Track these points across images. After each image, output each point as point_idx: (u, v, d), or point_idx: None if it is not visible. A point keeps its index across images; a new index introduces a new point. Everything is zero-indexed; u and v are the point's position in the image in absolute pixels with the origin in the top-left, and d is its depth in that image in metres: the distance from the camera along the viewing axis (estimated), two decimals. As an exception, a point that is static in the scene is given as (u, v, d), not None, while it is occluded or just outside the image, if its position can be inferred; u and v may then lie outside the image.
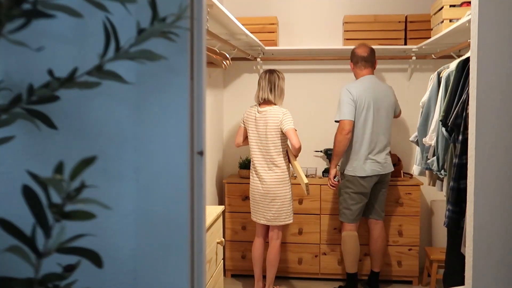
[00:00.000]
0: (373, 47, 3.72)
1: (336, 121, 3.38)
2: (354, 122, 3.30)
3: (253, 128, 3.33)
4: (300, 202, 3.73)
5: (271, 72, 3.34)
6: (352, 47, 3.77)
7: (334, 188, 3.53)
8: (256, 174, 3.32)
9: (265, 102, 3.32)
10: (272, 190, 3.25)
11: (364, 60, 3.40)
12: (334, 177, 3.47)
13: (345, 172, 3.40)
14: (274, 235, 3.36)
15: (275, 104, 3.30)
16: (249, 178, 3.81)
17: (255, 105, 3.40)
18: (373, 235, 3.52)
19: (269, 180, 3.26)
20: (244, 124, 3.43)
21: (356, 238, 3.44)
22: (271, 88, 3.28)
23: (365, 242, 3.65)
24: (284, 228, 3.54)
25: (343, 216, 3.44)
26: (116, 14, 0.85)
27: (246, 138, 3.44)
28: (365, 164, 3.33)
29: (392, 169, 3.48)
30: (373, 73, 3.45)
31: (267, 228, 3.43)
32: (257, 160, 3.31)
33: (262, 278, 3.46)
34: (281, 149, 3.27)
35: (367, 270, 3.68)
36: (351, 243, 3.43)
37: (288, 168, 3.33)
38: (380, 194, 3.47)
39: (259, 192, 3.30)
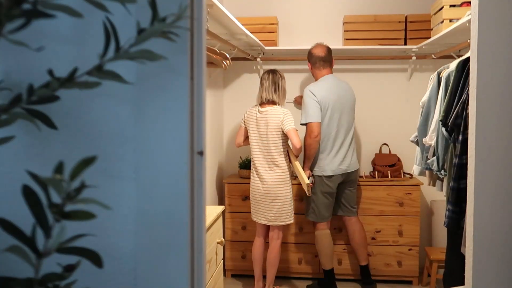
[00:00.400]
0: (373, 47, 3.74)
1: (302, 124, 3.35)
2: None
3: (254, 128, 3.33)
4: (300, 202, 3.73)
5: (273, 72, 3.35)
6: (352, 47, 3.79)
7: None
8: (257, 174, 3.32)
9: (268, 102, 3.31)
10: (273, 190, 3.26)
11: (323, 60, 3.41)
12: (308, 178, 3.47)
13: (313, 173, 3.42)
14: (275, 235, 3.37)
15: (276, 104, 3.30)
16: (249, 178, 3.82)
17: (255, 105, 3.40)
18: (349, 231, 3.57)
19: (270, 180, 3.26)
20: (244, 124, 3.43)
21: (328, 236, 3.48)
22: (275, 89, 3.29)
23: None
24: (284, 228, 3.54)
25: (312, 215, 3.47)
26: (116, 14, 0.85)
27: (246, 138, 3.44)
28: (332, 163, 3.36)
29: (358, 167, 3.51)
30: (332, 72, 3.46)
31: (267, 228, 3.43)
32: (258, 160, 3.31)
33: (262, 278, 3.46)
34: (282, 149, 3.28)
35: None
36: (324, 241, 3.46)
37: (289, 168, 3.34)
38: (347, 192, 3.50)
39: (260, 192, 3.30)
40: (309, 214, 3.49)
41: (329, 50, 3.44)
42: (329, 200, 3.43)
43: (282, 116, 3.23)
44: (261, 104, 3.34)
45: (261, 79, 3.38)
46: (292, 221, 3.38)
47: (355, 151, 3.50)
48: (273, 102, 3.30)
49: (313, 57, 3.44)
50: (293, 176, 3.50)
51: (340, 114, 3.35)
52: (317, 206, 3.43)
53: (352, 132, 3.46)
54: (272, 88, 3.29)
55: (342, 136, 3.37)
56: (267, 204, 3.29)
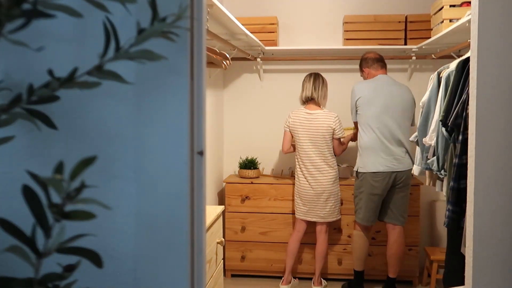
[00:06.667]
0: (373, 47, 3.74)
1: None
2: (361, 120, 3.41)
3: (304, 131, 3.46)
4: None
5: (315, 74, 3.53)
6: (352, 47, 3.79)
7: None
8: (309, 175, 3.45)
9: (311, 102, 3.48)
10: (328, 189, 3.44)
11: (381, 61, 3.46)
12: None
13: (358, 170, 3.41)
14: (323, 229, 3.55)
15: (319, 104, 3.47)
16: (249, 178, 3.85)
17: (299, 109, 3.53)
18: (389, 240, 3.48)
19: (325, 180, 3.43)
20: (289, 129, 3.53)
21: (362, 238, 3.45)
22: (315, 87, 3.47)
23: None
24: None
25: (356, 216, 3.48)
26: (116, 14, 0.85)
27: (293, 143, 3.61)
28: (375, 161, 3.31)
29: (409, 167, 3.34)
30: (386, 73, 3.47)
31: (307, 225, 3.59)
32: (312, 161, 3.45)
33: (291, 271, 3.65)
34: (332, 149, 3.48)
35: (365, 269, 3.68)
36: (356, 242, 3.48)
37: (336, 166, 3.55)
38: (398, 197, 3.39)
39: (312, 192, 3.45)
40: (356, 214, 3.48)
41: (380, 54, 3.51)
42: (375, 204, 3.38)
43: (333, 122, 3.44)
44: (307, 105, 3.49)
45: (303, 81, 3.55)
46: (340, 217, 3.56)
47: (408, 153, 3.36)
48: (313, 101, 3.46)
49: (369, 60, 3.46)
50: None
51: (386, 113, 3.31)
52: (362, 207, 3.40)
53: (405, 133, 3.35)
54: (312, 87, 3.47)
55: (388, 135, 3.31)
56: (321, 203, 3.45)
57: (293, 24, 4.11)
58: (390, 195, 3.39)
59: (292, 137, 3.55)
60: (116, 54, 0.80)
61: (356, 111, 3.39)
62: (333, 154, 3.49)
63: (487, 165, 1.49)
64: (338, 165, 3.90)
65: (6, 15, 0.69)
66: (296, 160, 3.55)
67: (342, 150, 3.56)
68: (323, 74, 3.85)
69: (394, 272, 3.49)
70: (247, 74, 4.23)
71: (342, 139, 3.54)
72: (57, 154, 0.99)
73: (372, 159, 3.32)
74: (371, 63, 3.45)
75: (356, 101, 3.37)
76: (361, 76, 3.57)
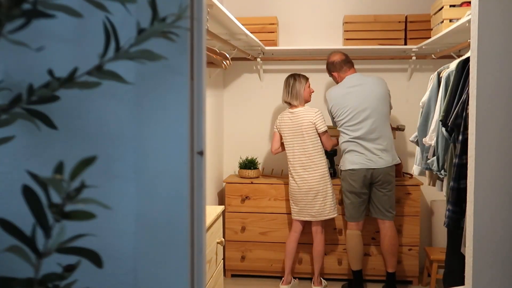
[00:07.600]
0: (373, 47, 3.74)
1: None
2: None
3: (288, 130, 3.52)
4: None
5: (291, 76, 3.58)
6: (352, 47, 3.79)
7: None
8: (296, 174, 3.49)
9: (288, 103, 3.54)
10: (314, 187, 3.44)
11: (348, 62, 3.52)
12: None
13: (340, 168, 3.52)
14: (318, 229, 3.56)
15: (298, 105, 3.50)
16: (249, 178, 3.86)
17: (286, 110, 3.59)
18: (380, 235, 3.53)
19: (310, 178, 3.45)
20: (278, 130, 3.60)
21: (356, 237, 3.48)
22: (289, 91, 3.53)
23: (368, 242, 3.66)
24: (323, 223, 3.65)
25: (346, 214, 3.54)
26: (116, 14, 0.85)
27: (282, 143, 3.63)
28: (351, 158, 3.40)
29: (388, 164, 3.38)
30: (355, 71, 3.53)
31: (303, 225, 3.60)
32: (296, 160, 3.49)
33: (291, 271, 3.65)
34: (319, 147, 3.48)
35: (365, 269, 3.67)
36: (350, 241, 3.50)
37: (326, 164, 3.53)
38: (380, 195, 3.44)
39: (301, 191, 3.47)
40: (345, 213, 3.55)
41: (344, 53, 3.55)
42: (357, 200, 3.44)
43: (314, 117, 3.44)
44: (290, 106, 3.55)
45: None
46: (335, 215, 3.54)
47: (386, 151, 3.39)
48: (291, 104, 3.51)
49: (337, 64, 3.50)
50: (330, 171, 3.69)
51: (359, 115, 3.36)
52: (346, 205, 3.50)
53: (382, 130, 3.38)
54: (287, 91, 3.53)
55: (362, 135, 3.36)
56: (310, 201, 3.46)
57: (293, 24, 4.11)
58: (373, 192, 3.47)
59: (281, 138, 3.60)
60: (116, 54, 0.80)
61: (333, 118, 3.50)
62: (319, 151, 3.47)
63: (487, 165, 1.49)
64: (336, 165, 3.90)
65: (6, 15, 0.69)
66: (287, 160, 3.59)
67: (332, 144, 3.55)
68: (323, 74, 3.86)
69: (392, 267, 3.51)
70: (247, 74, 4.23)
71: (333, 137, 3.57)
72: (57, 154, 0.99)
73: (349, 158, 3.42)
74: (339, 66, 3.51)
75: (330, 109, 3.49)
76: (329, 76, 3.64)
